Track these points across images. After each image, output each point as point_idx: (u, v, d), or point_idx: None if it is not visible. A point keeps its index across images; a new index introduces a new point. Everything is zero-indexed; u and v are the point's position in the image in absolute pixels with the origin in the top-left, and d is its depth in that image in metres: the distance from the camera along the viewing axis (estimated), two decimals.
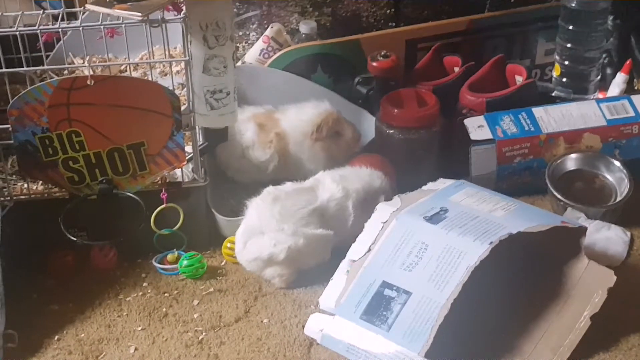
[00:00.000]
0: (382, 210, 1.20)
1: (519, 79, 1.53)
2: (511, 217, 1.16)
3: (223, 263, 1.34)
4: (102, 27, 1.25)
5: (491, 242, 1.09)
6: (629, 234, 1.34)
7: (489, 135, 1.43)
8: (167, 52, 1.30)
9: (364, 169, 1.35)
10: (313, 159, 1.42)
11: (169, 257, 1.33)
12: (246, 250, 1.28)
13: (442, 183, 1.26)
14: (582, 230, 1.19)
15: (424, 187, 1.26)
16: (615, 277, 1.15)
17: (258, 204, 1.29)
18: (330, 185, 1.29)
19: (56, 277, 1.31)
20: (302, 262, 1.26)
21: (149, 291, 1.29)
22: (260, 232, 1.26)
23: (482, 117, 1.45)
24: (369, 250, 1.16)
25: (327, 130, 1.41)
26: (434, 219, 1.15)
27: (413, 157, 1.44)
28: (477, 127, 1.43)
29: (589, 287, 1.15)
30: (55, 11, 1.36)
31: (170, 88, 1.32)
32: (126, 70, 1.58)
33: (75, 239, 1.29)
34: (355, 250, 1.18)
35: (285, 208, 1.26)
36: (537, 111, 1.46)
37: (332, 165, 1.41)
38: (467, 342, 1.12)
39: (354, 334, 1.10)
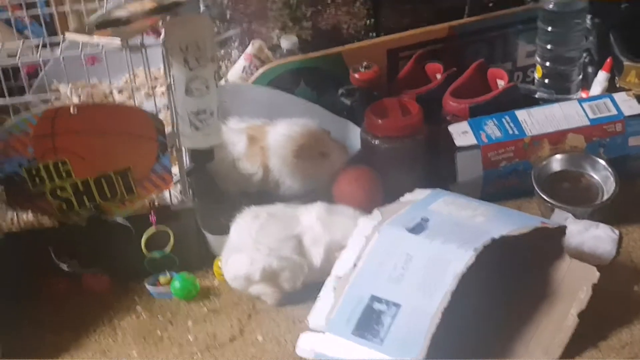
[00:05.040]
0: (364, 224, 1.20)
1: (501, 83, 1.55)
2: (492, 222, 1.17)
3: (216, 283, 1.35)
4: (82, 55, 1.26)
5: (475, 249, 1.10)
6: (617, 232, 1.35)
7: (474, 141, 1.44)
8: (148, 76, 1.31)
9: (356, 213, 1.30)
10: (294, 176, 1.43)
11: (162, 279, 1.34)
12: (227, 268, 1.30)
13: (420, 193, 1.27)
14: (562, 230, 1.21)
15: (401, 199, 1.27)
16: (598, 274, 1.16)
17: (238, 222, 1.30)
18: (313, 219, 1.29)
19: (49, 305, 1.32)
20: (278, 284, 1.27)
21: (143, 315, 1.30)
22: (239, 250, 1.28)
23: (465, 122, 1.46)
24: (354, 265, 1.16)
25: (310, 150, 1.41)
26: (417, 229, 1.16)
27: (400, 166, 1.45)
28: (461, 133, 1.45)
29: (573, 285, 1.17)
30: (35, 41, 1.37)
31: (155, 110, 1.33)
32: (111, 94, 1.59)
33: (66, 267, 1.30)
34: (341, 267, 1.18)
35: (263, 228, 1.27)
36: (520, 114, 1.47)
37: (314, 184, 1.42)
38: (460, 348, 1.13)
39: (347, 350, 1.11)
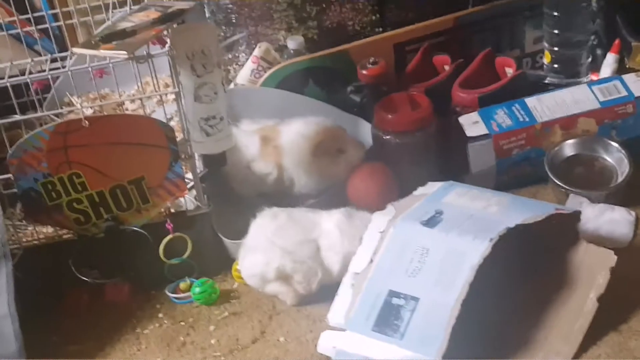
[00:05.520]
0: (378, 220, 1.21)
1: (509, 71, 1.55)
2: (506, 211, 1.18)
3: (235, 286, 1.36)
4: (89, 68, 1.27)
5: (491, 239, 1.10)
6: (633, 213, 1.35)
7: (485, 131, 1.44)
8: (156, 85, 1.32)
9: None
10: (310, 174, 1.43)
11: (182, 285, 1.35)
12: (244, 266, 1.31)
13: (432, 186, 1.28)
14: (577, 215, 1.21)
15: (414, 193, 1.28)
16: (615, 257, 1.16)
17: (257, 221, 1.32)
18: (333, 226, 1.28)
19: (73, 317, 1.33)
20: (293, 285, 1.28)
21: (166, 322, 1.31)
22: (256, 249, 1.29)
23: (476, 113, 1.47)
24: (371, 261, 1.17)
25: (327, 148, 1.42)
26: (431, 222, 1.17)
27: (412, 160, 1.45)
28: (472, 124, 1.45)
29: (591, 270, 1.17)
30: (43, 58, 1.39)
31: (166, 118, 1.34)
32: (123, 104, 1.61)
33: (87, 278, 1.32)
34: (357, 263, 1.19)
35: (281, 229, 1.28)
36: (530, 101, 1.47)
37: (330, 182, 1.43)
38: (480, 340, 1.13)
39: (368, 346, 1.12)
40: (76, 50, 1.27)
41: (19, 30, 1.55)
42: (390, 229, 1.19)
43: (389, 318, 1.12)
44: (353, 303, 1.15)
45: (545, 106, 1.46)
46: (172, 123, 1.46)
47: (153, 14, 1.31)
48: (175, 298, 1.34)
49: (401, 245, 1.16)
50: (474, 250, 1.10)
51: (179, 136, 1.34)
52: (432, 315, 1.09)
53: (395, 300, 1.12)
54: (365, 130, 1.52)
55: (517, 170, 1.46)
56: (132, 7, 1.38)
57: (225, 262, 1.38)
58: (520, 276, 1.21)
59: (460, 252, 1.11)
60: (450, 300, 1.08)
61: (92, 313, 1.34)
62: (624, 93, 1.46)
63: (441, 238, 1.14)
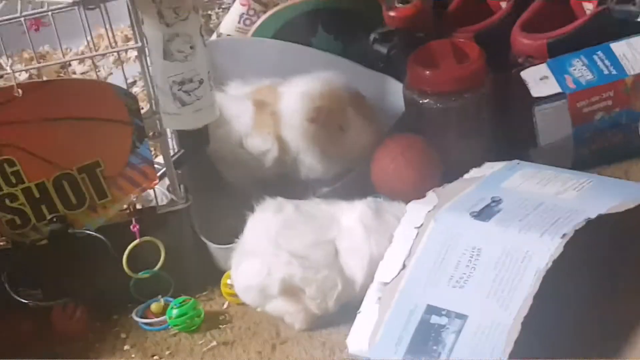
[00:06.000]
0: (415, 211, 1.23)
1: (588, 7, 1.55)
2: (587, 197, 1.19)
3: (225, 306, 1.39)
4: (22, 19, 1.29)
5: (564, 235, 1.11)
6: None
7: (557, 89, 1.45)
8: (112, 39, 1.34)
9: None
10: (307, 150, 1.45)
11: (153, 307, 1.38)
12: (238, 276, 1.33)
13: (490, 167, 1.29)
14: None
15: (465, 176, 1.29)
16: None
17: (255, 217, 1.33)
18: (355, 222, 1.30)
19: (10, 353, 1.35)
20: (304, 303, 1.30)
21: (133, 355, 1.34)
22: (254, 253, 1.31)
23: (544, 65, 1.48)
24: (404, 266, 1.19)
25: (328, 118, 1.43)
26: (485, 213, 1.18)
27: (459, 132, 1.47)
28: (539, 80, 1.46)
29: None
30: None
31: (127, 82, 1.35)
32: (69, 65, 1.62)
33: (27, 301, 1.34)
34: (386, 270, 1.21)
35: (287, 227, 1.30)
36: (618, 47, 1.49)
37: (334, 164, 1.45)
38: None
39: None
40: None
41: None
42: (430, 223, 1.20)
43: (426, 342, 1.13)
44: (380, 323, 1.17)
45: (639, 53, 1.47)
46: (134, 90, 1.49)
47: None
48: (146, 324, 1.37)
49: (444, 245, 1.18)
50: (541, 251, 1.12)
51: (145, 107, 1.36)
52: (484, 338, 1.10)
53: (434, 319, 1.14)
54: (394, 92, 1.54)
55: (602, 141, 1.47)
56: None
57: (211, 275, 1.40)
58: (603, 284, 1.22)
59: (522, 254, 1.13)
60: (508, 319, 1.10)
61: (35, 347, 1.36)
62: None
63: (497, 235, 1.15)
